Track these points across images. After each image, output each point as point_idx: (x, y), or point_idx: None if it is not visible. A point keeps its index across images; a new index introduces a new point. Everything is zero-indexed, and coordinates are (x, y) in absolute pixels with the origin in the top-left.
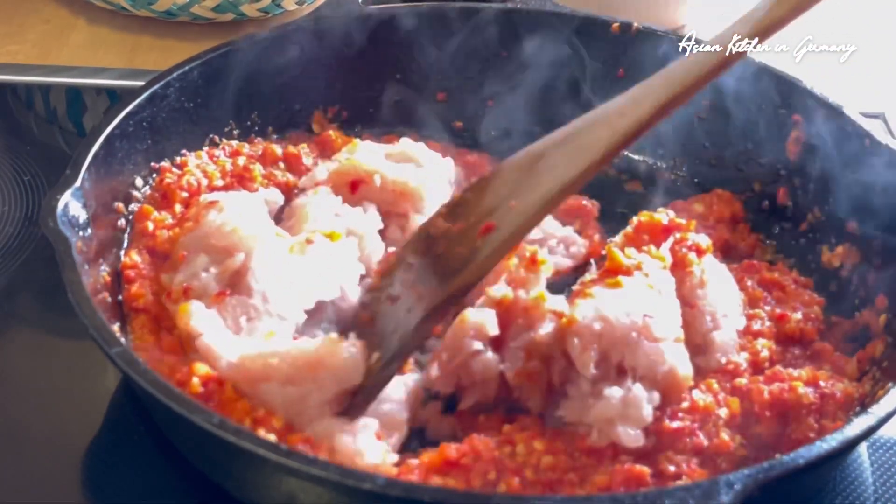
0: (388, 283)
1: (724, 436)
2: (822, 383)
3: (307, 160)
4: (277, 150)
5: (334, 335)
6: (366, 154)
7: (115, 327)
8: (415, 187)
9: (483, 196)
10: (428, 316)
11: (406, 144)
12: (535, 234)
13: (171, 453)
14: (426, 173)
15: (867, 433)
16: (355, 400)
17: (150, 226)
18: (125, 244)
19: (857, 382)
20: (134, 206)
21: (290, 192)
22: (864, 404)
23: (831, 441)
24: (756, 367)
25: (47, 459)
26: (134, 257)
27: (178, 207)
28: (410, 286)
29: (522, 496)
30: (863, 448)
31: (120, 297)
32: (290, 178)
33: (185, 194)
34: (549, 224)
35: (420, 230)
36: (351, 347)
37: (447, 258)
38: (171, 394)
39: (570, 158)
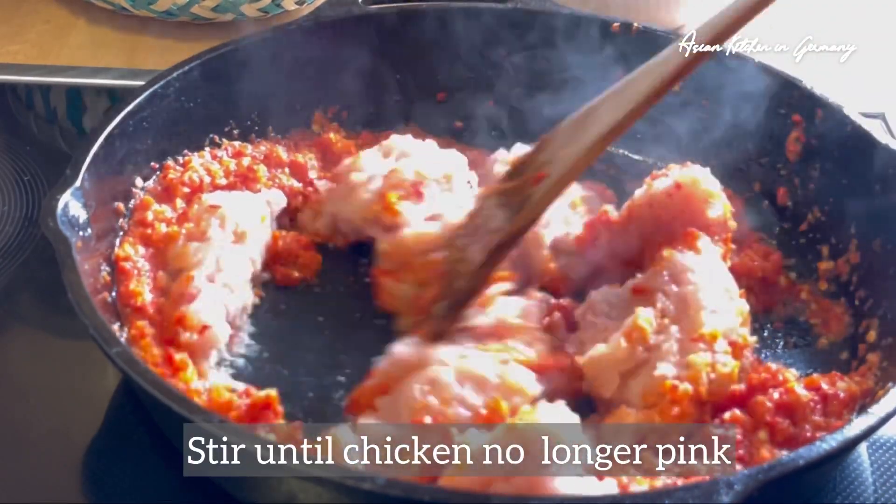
0: (460, 238)
1: (765, 452)
2: (823, 385)
3: (312, 173)
4: (283, 154)
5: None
6: (387, 161)
7: (116, 327)
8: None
9: (540, 153)
10: (487, 259)
11: (396, 140)
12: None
13: (171, 453)
14: (424, 162)
15: (867, 433)
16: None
17: (150, 216)
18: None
19: (857, 375)
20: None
21: (293, 196)
22: (864, 404)
23: (831, 441)
24: None
25: (47, 459)
26: (128, 249)
27: (179, 203)
28: (475, 239)
29: (522, 496)
30: (863, 448)
31: (114, 294)
32: (295, 183)
33: (186, 189)
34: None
35: (485, 190)
36: (527, 369)
37: (507, 208)
38: (171, 394)
39: (615, 107)
